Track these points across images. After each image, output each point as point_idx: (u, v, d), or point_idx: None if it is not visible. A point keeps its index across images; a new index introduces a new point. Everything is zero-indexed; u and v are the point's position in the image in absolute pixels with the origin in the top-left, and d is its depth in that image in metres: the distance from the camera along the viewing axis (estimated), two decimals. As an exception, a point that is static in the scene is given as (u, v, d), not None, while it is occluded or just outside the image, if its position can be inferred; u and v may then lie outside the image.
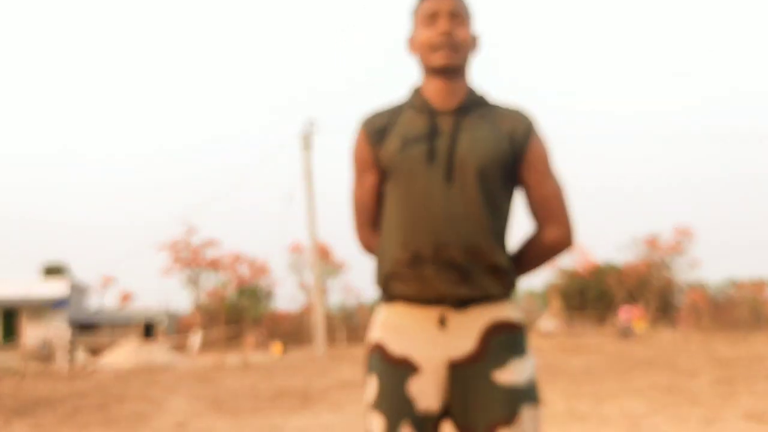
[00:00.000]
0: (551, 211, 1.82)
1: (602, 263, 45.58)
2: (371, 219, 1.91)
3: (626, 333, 29.15)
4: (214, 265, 41.41)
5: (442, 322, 1.73)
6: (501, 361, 1.72)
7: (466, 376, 1.72)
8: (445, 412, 1.74)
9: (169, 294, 55.73)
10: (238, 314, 41.68)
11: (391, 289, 1.78)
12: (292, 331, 39.10)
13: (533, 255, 1.86)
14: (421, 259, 1.71)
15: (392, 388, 1.73)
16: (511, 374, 1.72)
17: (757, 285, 53.66)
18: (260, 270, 44.22)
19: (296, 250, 43.13)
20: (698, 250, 49.33)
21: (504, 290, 1.76)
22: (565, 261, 41.75)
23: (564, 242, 1.84)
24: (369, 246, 1.94)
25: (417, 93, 1.86)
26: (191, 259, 40.39)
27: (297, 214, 57.33)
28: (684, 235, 41.49)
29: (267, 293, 44.30)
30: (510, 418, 1.69)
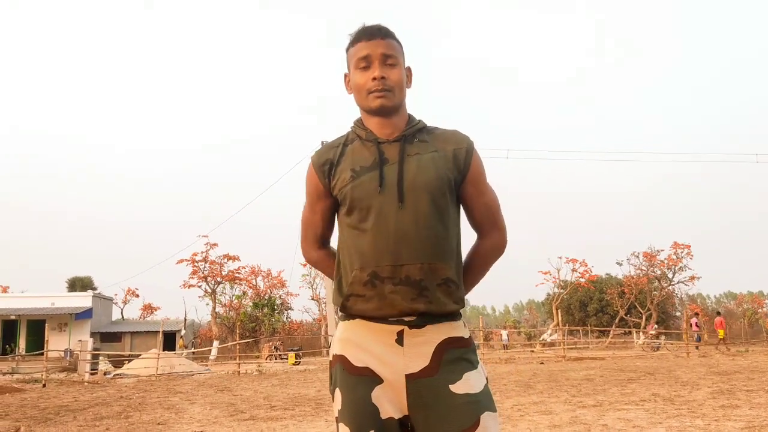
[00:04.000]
0: (490, 218, 1.98)
1: (603, 276, 45.75)
2: (316, 236, 2.04)
3: (698, 340, 29.67)
4: (232, 278, 41.98)
5: (399, 339, 1.81)
6: (455, 374, 1.80)
7: (424, 389, 1.78)
8: (404, 424, 1.81)
9: (189, 305, 56.26)
10: (254, 325, 42.20)
11: (351, 308, 1.87)
12: (305, 342, 39.50)
13: (477, 264, 1.99)
14: (379, 278, 1.80)
15: (357, 398, 1.80)
16: (466, 385, 1.79)
17: (756, 298, 53.20)
18: (276, 283, 44.76)
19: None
20: (696, 265, 49.17)
21: (455, 304, 1.86)
22: (567, 274, 41.96)
23: (502, 244, 2.01)
24: (311, 258, 2.09)
25: (361, 125, 1.96)
26: (210, 273, 40.96)
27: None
28: (682, 250, 41.31)
29: (282, 305, 44.69)
30: (473, 425, 1.75)
